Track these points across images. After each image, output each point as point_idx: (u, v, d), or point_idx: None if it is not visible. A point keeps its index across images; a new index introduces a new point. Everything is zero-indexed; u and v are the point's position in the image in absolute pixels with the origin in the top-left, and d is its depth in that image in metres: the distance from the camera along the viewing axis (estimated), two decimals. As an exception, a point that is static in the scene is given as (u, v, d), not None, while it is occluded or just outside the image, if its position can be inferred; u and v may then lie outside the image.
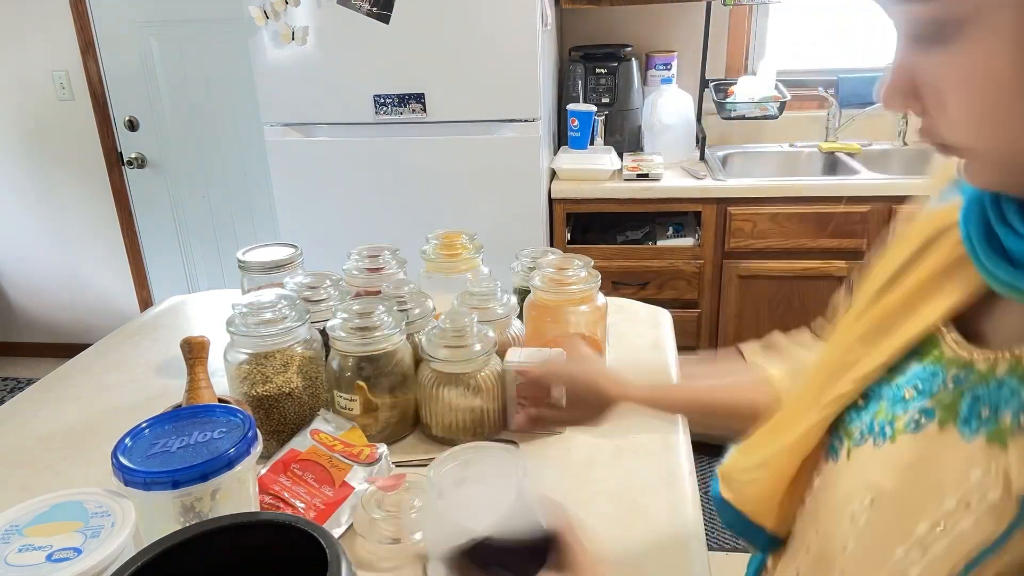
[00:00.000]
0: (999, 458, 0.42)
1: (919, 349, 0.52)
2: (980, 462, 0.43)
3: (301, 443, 0.94)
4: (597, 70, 2.56)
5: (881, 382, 0.54)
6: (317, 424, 0.98)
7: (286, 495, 0.87)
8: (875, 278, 0.58)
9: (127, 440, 0.73)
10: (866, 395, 0.55)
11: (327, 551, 0.53)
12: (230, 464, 0.70)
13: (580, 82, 2.55)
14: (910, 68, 0.43)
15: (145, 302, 3.37)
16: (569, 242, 2.44)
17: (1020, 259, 0.44)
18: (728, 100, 2.55)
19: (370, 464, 0.92)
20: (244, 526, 0.58)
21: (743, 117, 2.54)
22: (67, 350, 3.43)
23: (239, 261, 1.25)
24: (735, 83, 2.59)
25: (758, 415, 0.64)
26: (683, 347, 1.37)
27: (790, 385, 0.73)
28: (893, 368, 0.53)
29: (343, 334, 1.01)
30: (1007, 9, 0.37)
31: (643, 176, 2.35)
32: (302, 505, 0.86)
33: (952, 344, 0.50)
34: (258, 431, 0.76)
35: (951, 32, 0.39)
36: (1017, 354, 0.45)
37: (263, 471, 0.89)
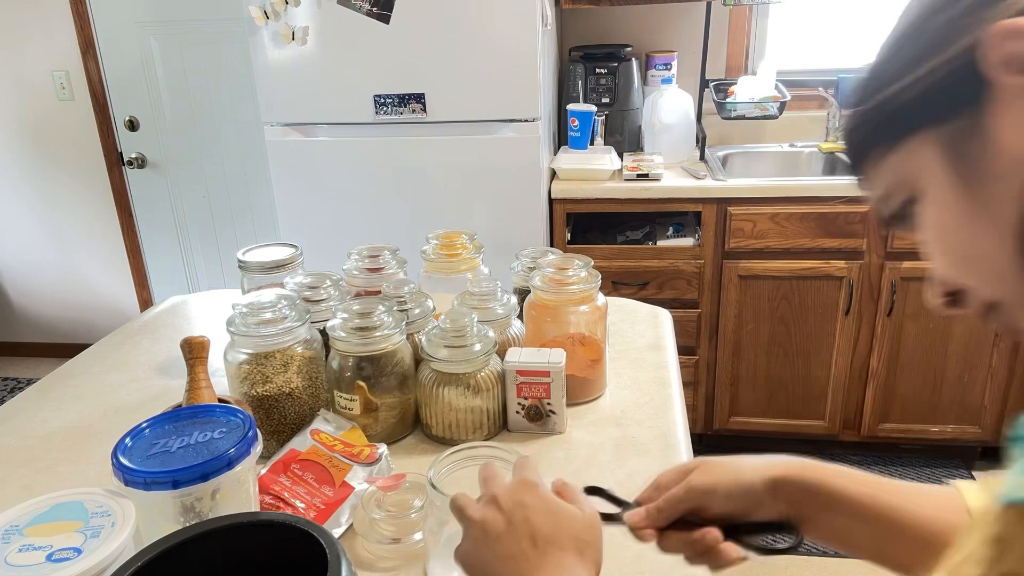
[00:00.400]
0: None
1: None
2: None
3: (301, 443, 0.94)
4: (597, 70, 2.56)
5: None
6: (317, 424, 0.98)
7: (286, 495, 0.87)
8: None
9: (127, 440, 0.73)
10: None
11: (327, 551, 0.53)
12: (230, 464, 0.70)
13: (580, 82, 2.55)
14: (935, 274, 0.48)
15: (145, 302, 3.37)
16: (569, 242, 2.44)
17: None
18: (728, 100, 2.55)
19: (370, 464, 0.92)
20: (244, 526, 0.58)
21: (743, 117, 2.54)
22: (67, 350, 3.44)
23: (239, 261, 1.25)
24: (735, 83, 2.59)
25: (947, 539, 0.53)
26: (683, 347, 1.37)
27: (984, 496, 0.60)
28: None
29: (343, 334, 1.01)
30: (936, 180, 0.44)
31: (643, 176, 2.35)
32: (302, 505, 0.86)
33: None
34: (258, 431, 0.76)
35: (908, 214, 0.47)
36: None
37: (263, 471, 0.89)
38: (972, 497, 0.61)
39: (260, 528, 0.58)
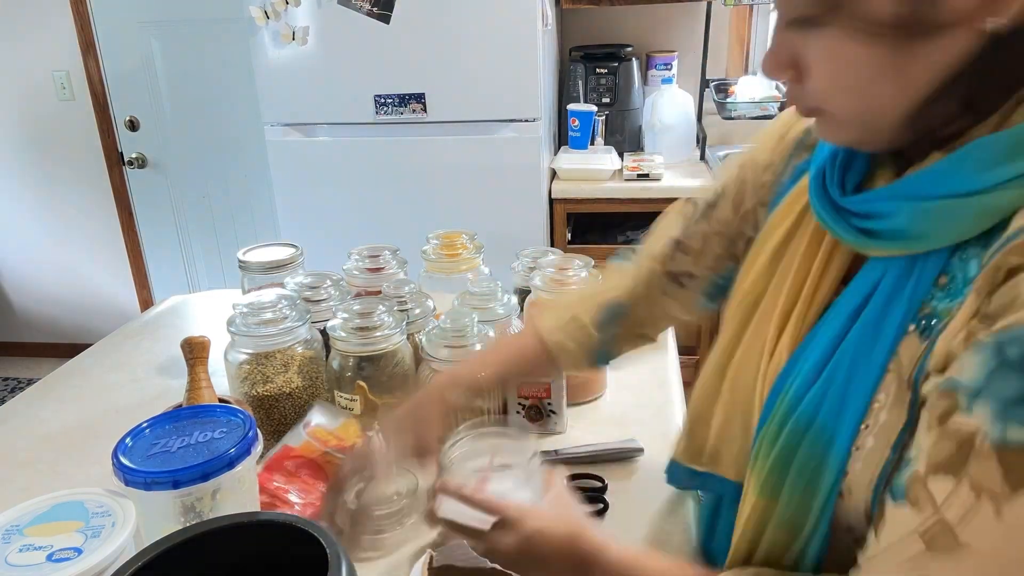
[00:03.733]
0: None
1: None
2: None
3: (295, 439, 0.94)
4: (597, 70, 2.56)
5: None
6: (312, 416, 0.97)
7: (281, 493, 0.86)
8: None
9: (128, 440, 0.73)
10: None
11: (327, 551, 0.53)
12: (230, 464, 0.70)
13: (580, 82, 2.55)
14: (789, 45, 0.51)
15: (145, 302, 3.37)
16: (569, 242, 2.44)
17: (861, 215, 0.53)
18: (729, 100, 2.55)
19: (366, 458, 0.92)
20: (244, 526, 0.58)
21: (744, 117, 2.54)
22: (67, 350, 3.44)
23: (239, 261, 1.25)
24: (736, 83, 2.59)
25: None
26: (683, 347, 1.37)
27: (560, 334, 0.88)
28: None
29: (343, 334, 1.01)
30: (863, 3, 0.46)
31: (643, 176, 2.35)
32: (298, 503, 0.86)
33: None
34: (258, 431, 0.76)
35: (821, 19, 0.48)
36: None
37: (258, 469, 0.89)
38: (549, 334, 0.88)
39: (260, 528, 0.58)
